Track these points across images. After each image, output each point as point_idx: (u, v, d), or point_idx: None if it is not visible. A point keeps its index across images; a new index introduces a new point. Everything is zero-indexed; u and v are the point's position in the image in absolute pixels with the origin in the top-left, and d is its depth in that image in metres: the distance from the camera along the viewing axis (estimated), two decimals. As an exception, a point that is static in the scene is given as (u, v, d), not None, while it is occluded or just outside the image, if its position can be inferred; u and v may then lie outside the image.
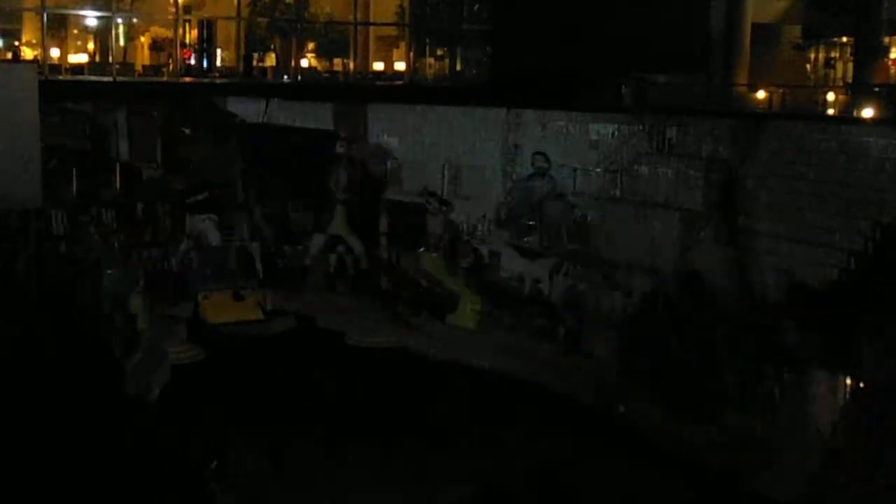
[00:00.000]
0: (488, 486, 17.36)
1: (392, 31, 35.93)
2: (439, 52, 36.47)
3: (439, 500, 17.37)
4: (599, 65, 26.01)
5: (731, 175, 20.45)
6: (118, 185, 28.91)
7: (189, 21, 32.56)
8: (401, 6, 35.00)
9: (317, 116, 29.76)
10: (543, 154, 25.05)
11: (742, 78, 28.89)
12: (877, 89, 24.86)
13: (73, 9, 31.82)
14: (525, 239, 25.27)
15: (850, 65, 29.63)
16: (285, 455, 18.38)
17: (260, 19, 34.37)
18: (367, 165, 28.47)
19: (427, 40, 36.09)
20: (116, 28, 31.86)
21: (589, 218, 23.91)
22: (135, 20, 33.89)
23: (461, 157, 27.04)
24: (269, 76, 34.17)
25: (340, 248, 28.25)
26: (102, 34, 32.16)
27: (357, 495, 17.34)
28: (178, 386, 21.71)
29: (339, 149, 28.22)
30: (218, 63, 33.14)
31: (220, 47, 33.41)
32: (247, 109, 29.70)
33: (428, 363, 23.70)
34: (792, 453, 17.98)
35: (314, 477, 18.00)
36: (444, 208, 26.40)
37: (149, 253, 26.76)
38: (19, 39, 33.17)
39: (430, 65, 36.67)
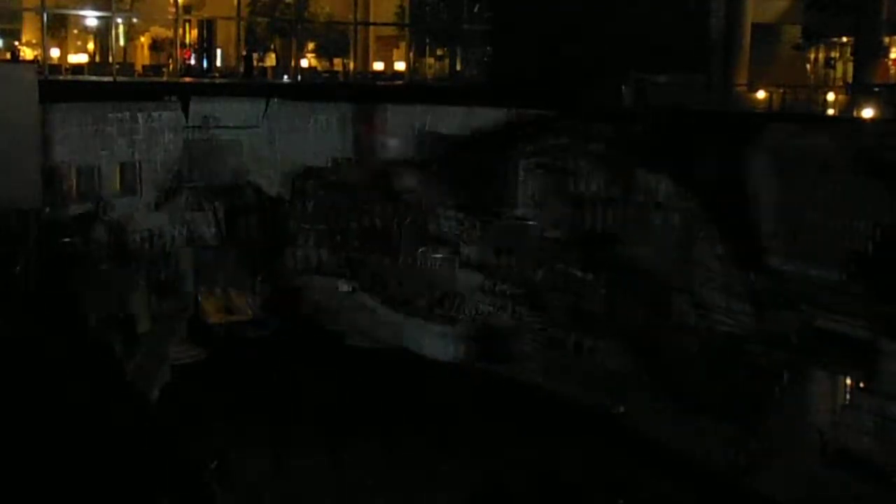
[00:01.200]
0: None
1: (392, 31, 35.96)
2: (439, 52, 36.50)
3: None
4: (599, 65, 26.01)
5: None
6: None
7: (189, 21, 32.59)
8: (401, 6, 35.03)
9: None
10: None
11: (742, 78, 28.87)
12: (877, 89, 24.85)
13: (73, 9, 31.86)
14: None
15: (850, 65, 29.63)
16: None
17: (260, 19, 34.40)
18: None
19: (427, 40, 36.12)
20: (116, 28, 31.89)
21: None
22: (135, 20, 33.92)
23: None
24: (269, 76, 34.22)
25: None
26: (102, 34, 32.20)
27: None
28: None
29: None
30: (218, 63, 33.18)
31: (220, 47, 33.43)
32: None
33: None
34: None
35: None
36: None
37: None
38: (19, 39, 33.19)
39: (430, 65, 36.70)
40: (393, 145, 27.94)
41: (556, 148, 25.32)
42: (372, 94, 30.48)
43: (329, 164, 28.23)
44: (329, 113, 28.38)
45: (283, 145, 28.06)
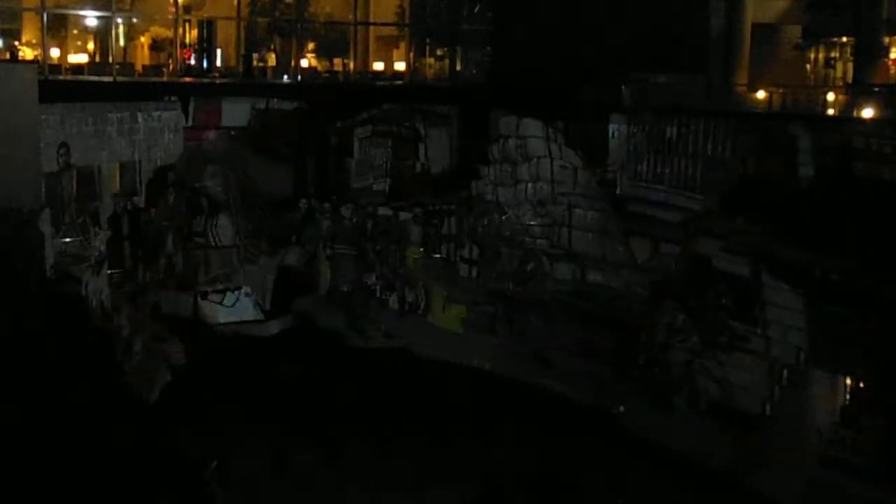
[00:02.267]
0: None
1: (392, 31, 35.96)
2: (439, 52, 36.48)
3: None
4: (599, 65, 26.02)
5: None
6: None
7: (189, 21, 32.59)
8: (401, 6, 35.03)
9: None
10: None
11: (742, 78, 28.87)
12: (877, 89, 24.84)
13: (73, 9, 31.84)
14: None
15: (850, 65, 29.62)
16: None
17: (260, 19, 34.39)
18: None
19: (427, 40, 36.11)
20: (116, 28, 31.88)
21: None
22: (135, 20, 33.91)
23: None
24: (269, 76, 34.20)
25: None
26: (102, 34, 32.19)
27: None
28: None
29: None
30: (218, 63, 33.17)
31: (220, 47, 33.42)
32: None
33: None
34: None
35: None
36: None
37: None
38: (19, 39, 33.17)
39: (430, 65, 36.69)
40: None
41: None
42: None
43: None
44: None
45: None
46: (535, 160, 23.76)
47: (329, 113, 27.37)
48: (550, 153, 23.48)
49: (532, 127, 23.93)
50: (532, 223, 23.61)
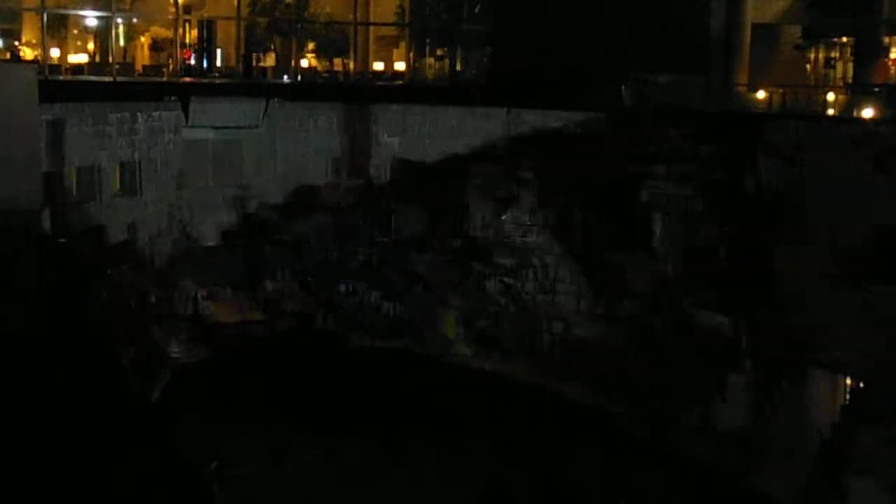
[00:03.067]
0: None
1: (392, 31, 35.93)
2: (439, 52, 36.48)
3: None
4: (599, 65, 26.03)
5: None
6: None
7: (189, 21, 32.57)
8: (401, 6, 34.99)
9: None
10: None
11: (742, 78, 28.89)
12: (877, 89, 24.85)
13: (73, 9, 31.82)
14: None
15: (850, 65, 29.64)
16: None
17: (260, 19, 34.37)
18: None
19: (427, 40, 36.11)
20: (116, 28, 31.85)
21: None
22: (135, 20, 33.88)
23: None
24: (269, 76, 34.19)
25: None
26: (102, 34, 32.16)
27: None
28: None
29: None
30: (218, 63, 33.15)
31: (220, 47, 33.41)
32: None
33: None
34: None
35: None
36: None
37: None
38: (19, 39, 33.14)
39: (430, 65, 36.69)
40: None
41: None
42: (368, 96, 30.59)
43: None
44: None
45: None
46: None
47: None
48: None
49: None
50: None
